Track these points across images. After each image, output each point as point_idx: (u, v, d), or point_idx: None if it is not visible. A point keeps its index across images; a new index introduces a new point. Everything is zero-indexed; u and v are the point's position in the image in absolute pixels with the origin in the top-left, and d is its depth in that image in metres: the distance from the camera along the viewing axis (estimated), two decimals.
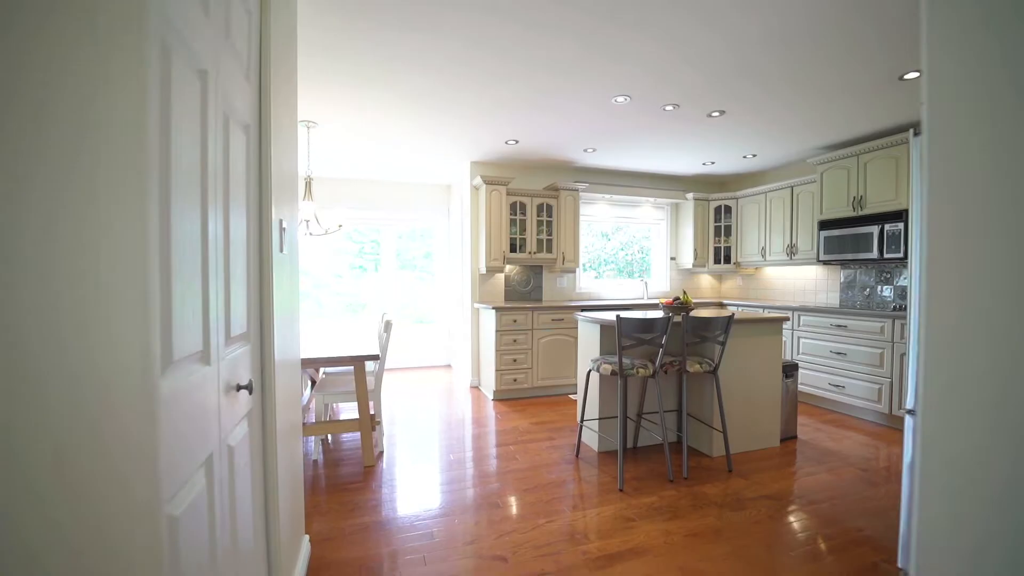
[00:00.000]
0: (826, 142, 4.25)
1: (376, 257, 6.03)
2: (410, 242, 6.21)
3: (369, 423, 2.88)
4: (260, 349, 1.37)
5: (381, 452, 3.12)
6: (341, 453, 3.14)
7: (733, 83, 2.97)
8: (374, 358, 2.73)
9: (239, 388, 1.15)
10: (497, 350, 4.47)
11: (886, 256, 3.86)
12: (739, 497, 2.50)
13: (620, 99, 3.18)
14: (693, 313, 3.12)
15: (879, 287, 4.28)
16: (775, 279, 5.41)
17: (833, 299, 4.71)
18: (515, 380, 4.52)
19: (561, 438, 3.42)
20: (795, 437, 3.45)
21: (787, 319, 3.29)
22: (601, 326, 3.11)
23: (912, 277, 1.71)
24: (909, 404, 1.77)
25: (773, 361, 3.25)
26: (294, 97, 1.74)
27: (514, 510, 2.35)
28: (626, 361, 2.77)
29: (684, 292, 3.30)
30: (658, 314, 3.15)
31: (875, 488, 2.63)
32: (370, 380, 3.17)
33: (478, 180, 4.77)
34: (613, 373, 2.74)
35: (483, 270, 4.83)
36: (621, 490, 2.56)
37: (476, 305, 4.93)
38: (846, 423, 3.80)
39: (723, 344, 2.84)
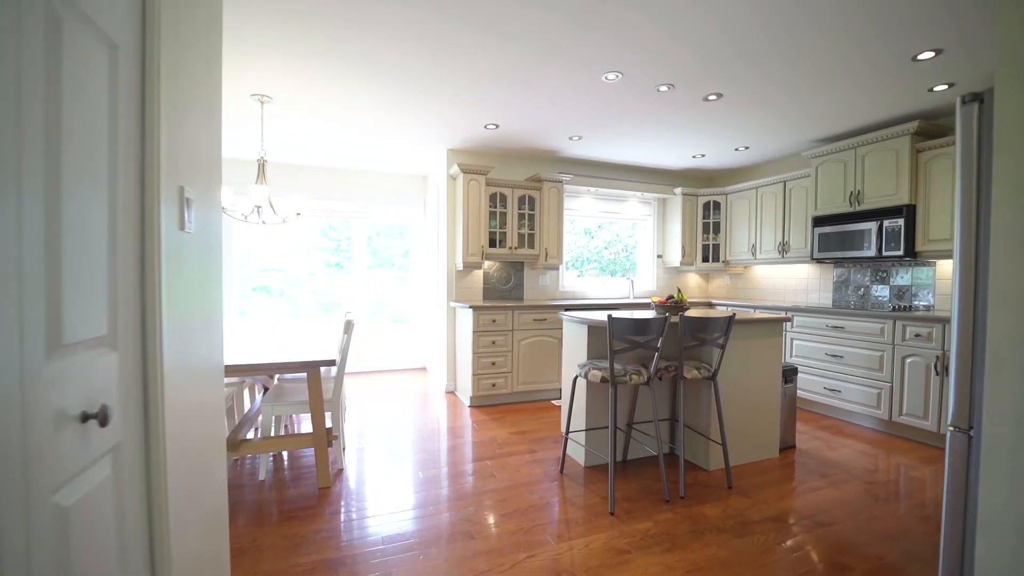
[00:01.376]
0: (822, 134, 4.05)
1: (351, 255, 5.66)
2: (388, 240, 5.87)
3: (324, 438, 2.51)
4: (141, 357, 1.01)
5: (341, 470, 2.75)
6: (298, 471, 2.76)
7: (729, 65, 2.73)
8: (329, 363, 2.36)
9: (87, 417, 0.80)
10: (475, 352, 4.13)
11: (885, 254, 3.67)
12: (743, 520, 2.22)
13: (611, 76, 2.88)
14: (689, 313, 2.85)
15: (874, 286, 4.10)
16: (765, 278, 5.20)
17: (826, 299, 4.52)
18: (494, 385, 4.19)
19: (544, 451, 3.10)
20: (794, 446, 3.21)
21: (788, 319, 3.05)
22: (589, 327, 2.80)
23: (956, 278, 1.44)
24: (950, 419, 1.53)
25: (772, 365, 3.00)
26: (217, 34, 1.38)
27: (490, 542, 2.01)
28: (618, 367, 2.47)
29: (679, 290, 3.02)
30: (651, 314, 2.86)
31: (884, 505, 2.40)
32: (327, 389, 2.80)
33: (455, 169, 4.41)
34: (603, 380, 2.44)
35: (460, 266, 4.49)
36: (612, 513, 2.26)
37: (452, 304, 4.58)
38: (844, 430, 3.59)
39: (723, 347, 2.57)
